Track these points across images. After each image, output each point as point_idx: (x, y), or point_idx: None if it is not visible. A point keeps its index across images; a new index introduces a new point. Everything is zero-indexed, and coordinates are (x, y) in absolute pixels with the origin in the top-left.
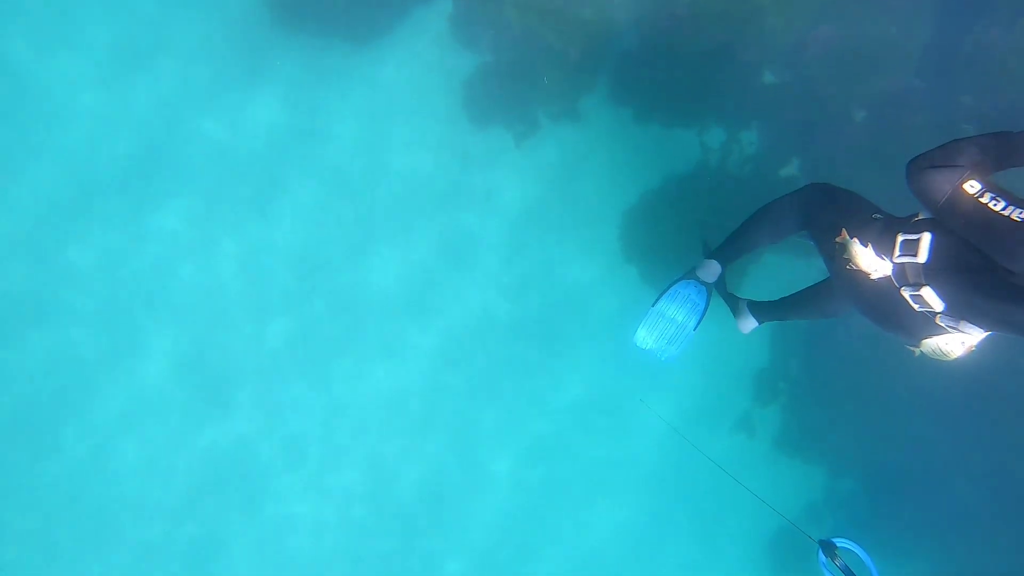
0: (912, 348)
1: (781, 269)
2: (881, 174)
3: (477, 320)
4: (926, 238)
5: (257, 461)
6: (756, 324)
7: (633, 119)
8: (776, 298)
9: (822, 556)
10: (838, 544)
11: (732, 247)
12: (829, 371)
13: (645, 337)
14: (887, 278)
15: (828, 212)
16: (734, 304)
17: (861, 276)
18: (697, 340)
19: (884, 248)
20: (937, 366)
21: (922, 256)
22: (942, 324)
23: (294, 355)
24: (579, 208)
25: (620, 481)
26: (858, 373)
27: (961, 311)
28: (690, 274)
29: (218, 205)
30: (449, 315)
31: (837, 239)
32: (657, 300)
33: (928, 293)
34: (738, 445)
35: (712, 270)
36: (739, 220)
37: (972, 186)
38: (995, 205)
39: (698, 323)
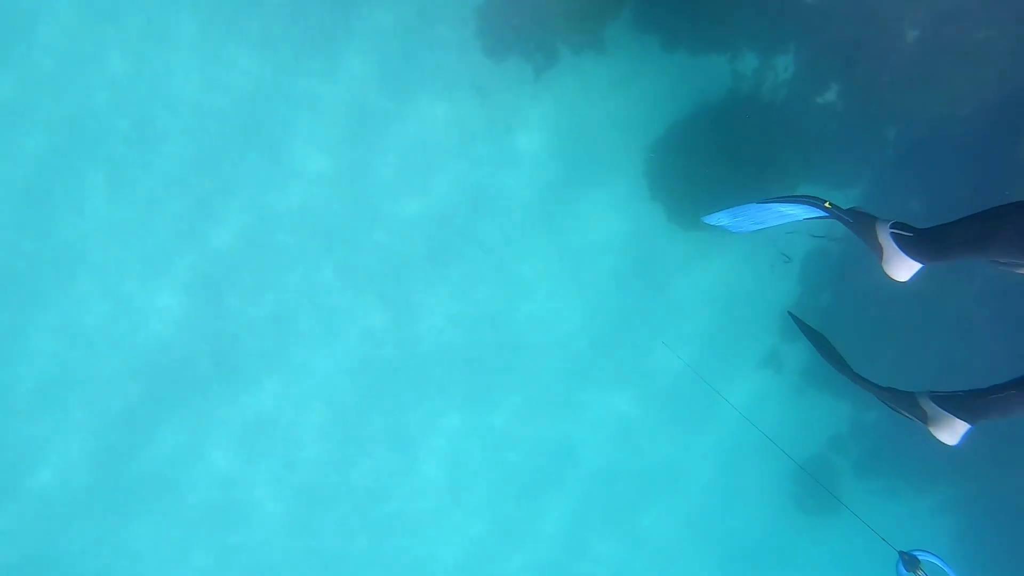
0: None
1: None
2: (931, 98)
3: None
4: None
5: None
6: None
7: (660, 47)
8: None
9: (902, 568)
10: (920, 558)
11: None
12: (860, 304)
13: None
14: None
15: None
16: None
17: None
18: (724, 278)
19: None
20: None
21: None
22: None
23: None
24: (603, 144)
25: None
26: (890, 307)
27: None
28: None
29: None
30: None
31: None
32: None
33: None
34: (765, 380)
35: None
36: (769, 151)
37: None
38: None
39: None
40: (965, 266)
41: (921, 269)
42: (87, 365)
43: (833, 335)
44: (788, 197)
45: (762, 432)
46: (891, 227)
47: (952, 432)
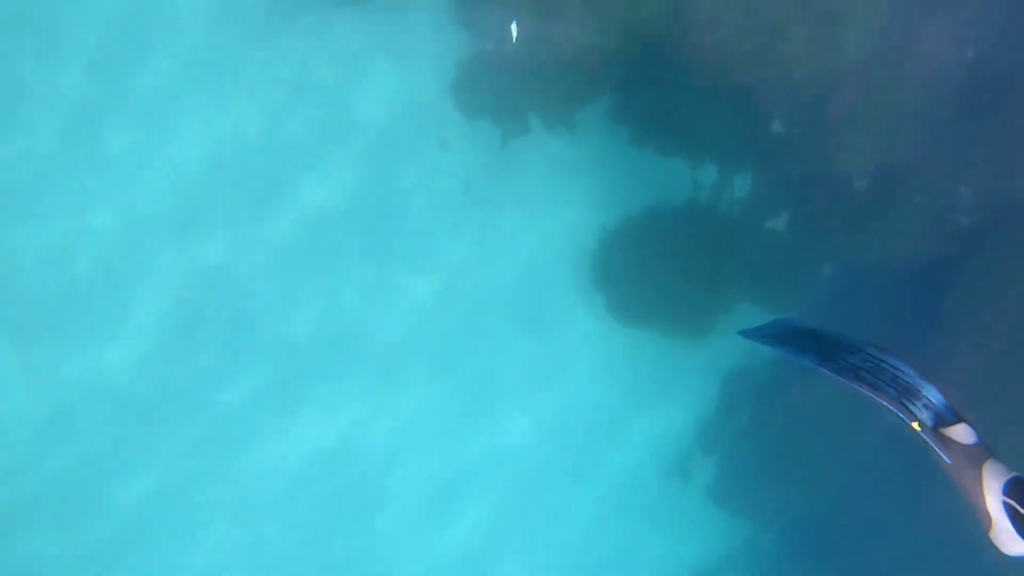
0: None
1: None
2: (869, 247)
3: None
4: None
5: None
6: None
7: (629, 140)
8: None
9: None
10: None
11: None
12: (778, 432)
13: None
14: None
15: None
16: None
17: None
18: (652, 381)
19: None
20: None
21: None
22: None
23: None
24: (557, 223)
25: None
26: (807, 440)
27: None
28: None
29: None
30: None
31: None
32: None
33: None
34: (672, 489)
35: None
36: (716, 264)
37: None
38: None
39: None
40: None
41: None
42: None
43: (744, 457)
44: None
45: None
46: (1007, 492)
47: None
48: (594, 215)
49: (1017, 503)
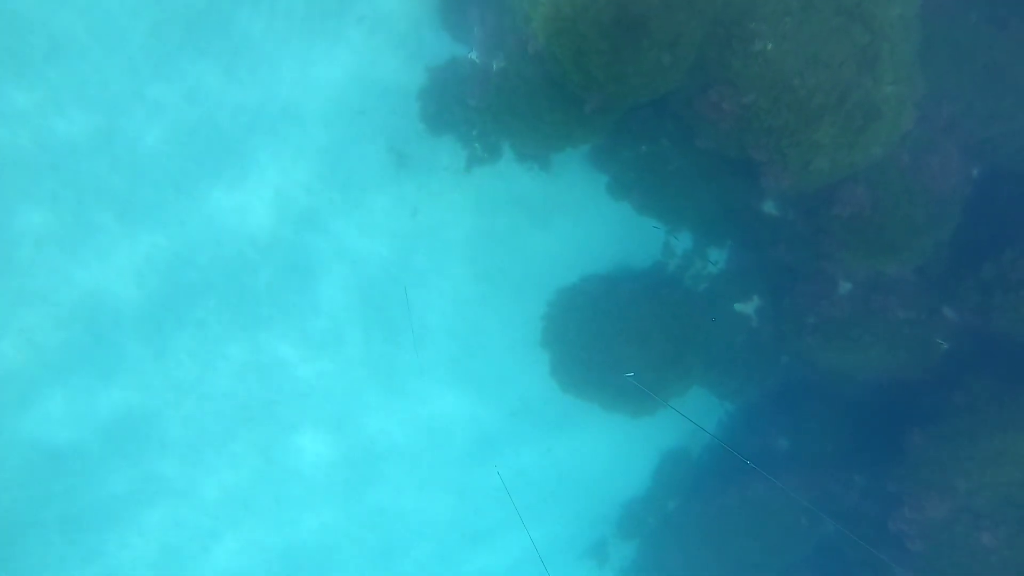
0: None
1: None
2: (838, 355)
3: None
4: None
5: None
6: None
7: (607, 190)
8: None
9: None
10: None
11: None
12: (703, 524)
13: None
14: None
15: None
16: None
17: None
18: (582, 453)
19: None
20: None
21: None
22: None
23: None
24: (511, 265)
25: None
26: (734, 542)
27: None
28: None
29: None
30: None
31: None
32: None
33: None
34: (584, 571)
35: None
36: (678, 341)
37: None
38: None
39: None
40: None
41: None
42: None
43: (666, 548)
44: None
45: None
46: None
47: None
48: (555, 265)
49: None
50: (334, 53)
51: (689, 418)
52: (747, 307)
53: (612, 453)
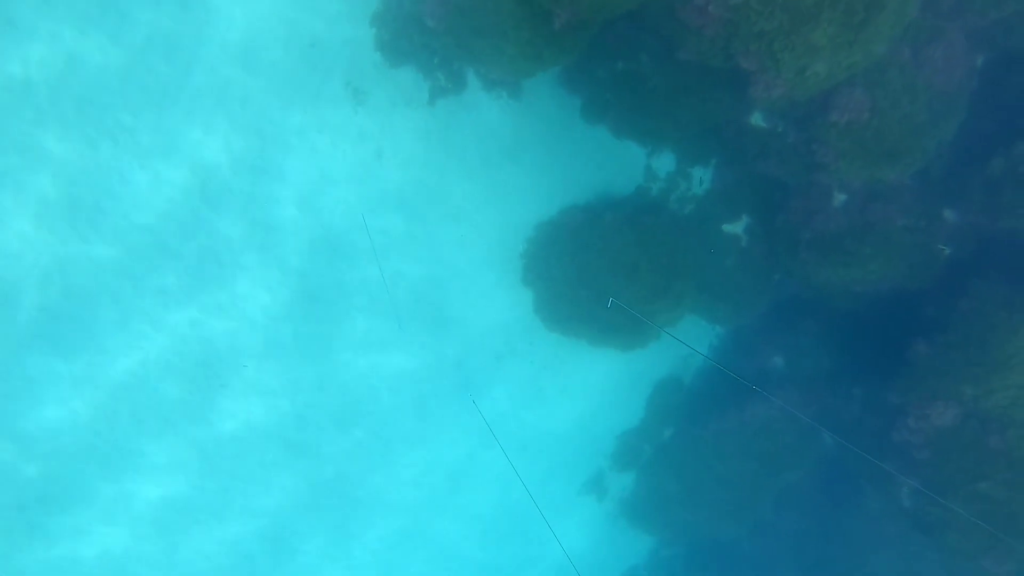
0: None
1: None
2: (835, 270)
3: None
4: None
5: None
6: None
7: (581, 114)
8: None
9: None
10: None
11: None
12: (701, 449)
13: None
14: None
15: None
16: None
17: None
18: (569, 391)
19: None
20: None
21: None
22: None
23: None
24: (486, 202)
25: None
26: (730, 466)
27: None
28: None
29: None
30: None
31: None
32: None
33: None
34: (585, 506)
35: None
36: (666, 269)
37: None
38: None
39: None
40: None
41: None
42: None
43: (662, 474)
44: None
45: None
46: None
47: None
48: (532, 199)
49: None
50: None
51: (685, 343)
52: (736, 227)
53: (603, 387)
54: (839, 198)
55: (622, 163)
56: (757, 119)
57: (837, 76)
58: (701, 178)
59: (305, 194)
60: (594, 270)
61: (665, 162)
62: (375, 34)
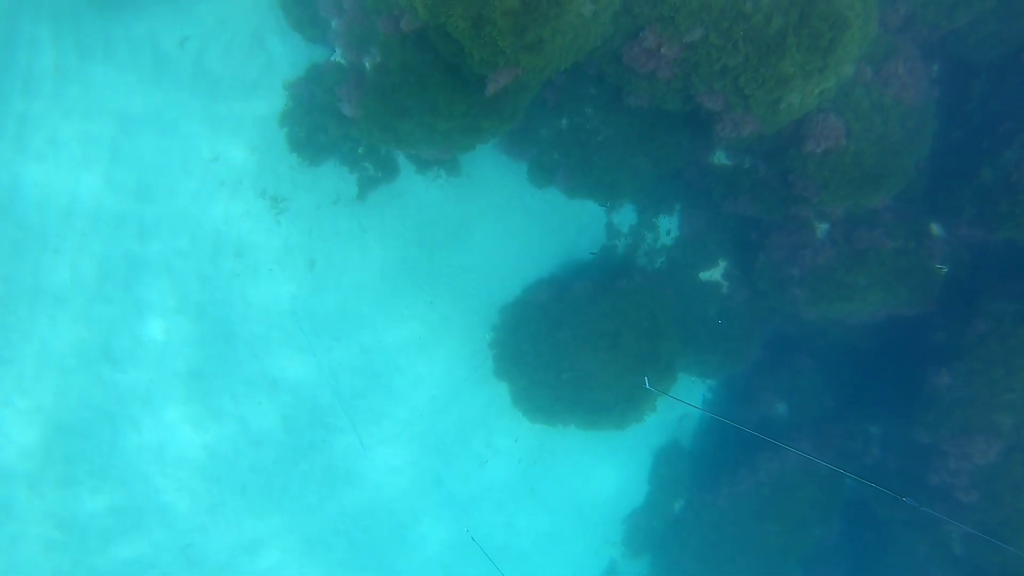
0: None
1: None
2: (831, 304)
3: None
4: None
5: None
6: None
7: (528, 179)
8: None
9: None
10: None
11: None
12: (716, 517)
13: None
14: None
15: None
16: None
17: None
18: (565, 484)
19: None
20: None
21: None
22: None
23: None
24: (440, 295)
25: None
26: (753, 527)
27: None
28: None
29: None
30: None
31: None
32: None
33: None
34: None
35: None
36: (649, 333)
37: None
38: None
39: None
40: None
41: None
42: None
43: (678, 551)
44: None
45: None
46: None
47: None
48: (490, 280)
49: None
50: (161, 91)
51: (693, 404)
52: (714, 273)
53: (600, 471)
54: (821, 229)
55: (581, 224)
56: (720, 157)
57: (809, 105)
58: (668, 228)
59: (247, 315)
60: (572, 348)
61: (626, 216)
62: (287, 134)
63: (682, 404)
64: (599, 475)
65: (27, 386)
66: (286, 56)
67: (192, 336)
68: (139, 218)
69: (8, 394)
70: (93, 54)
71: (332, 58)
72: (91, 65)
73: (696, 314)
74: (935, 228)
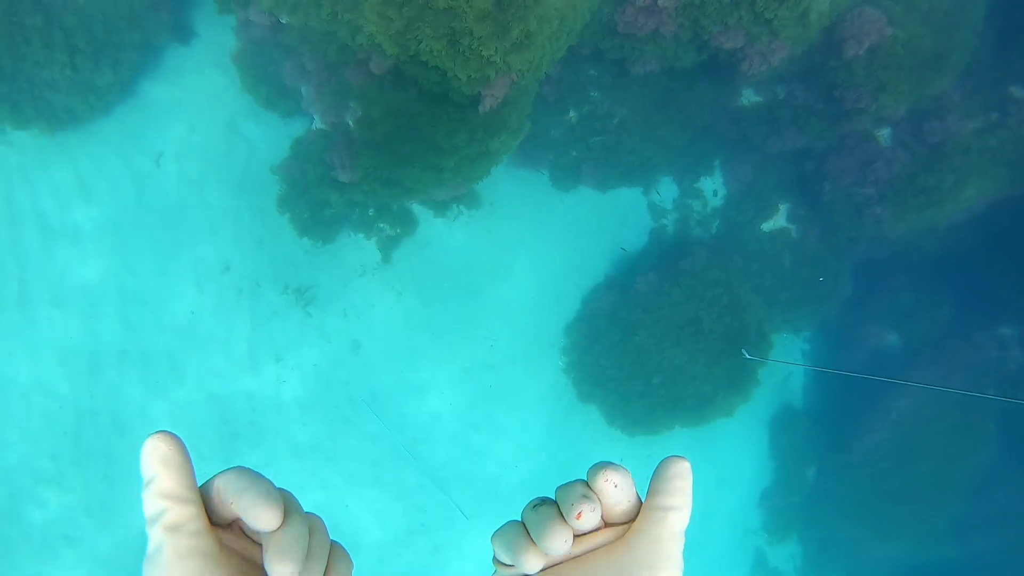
0: None
1: None
2: (924, 211)
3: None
4: None
5: None
6: None
7: (553, 185)
8: None
9: None
10: None
11: None
12: (856, 474)
13: None
14: None
15: None
16: None
17: None
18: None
19: None
20: None
21: None
22: None
23: None
24: (498, 336)
25: None
26: (895, 472)
27: None
28: None
29: None
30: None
31: None
32: None
33: None
34: None
35: None
36: (731, 308)
37: None
38: None
39: None
40: None
41: None
42: None
43: (828, 522)
44: None
45: None
46: None
47: None
48: (546, 304)
49: None
50: (151, 214)
51: (809, 364)
52: (777, 221)
53: (717, 462)
54: (884, 136)
55: (621, 215)
56: (750, 97)
57: (840, 3)
58: (714, 189)
59: (295, 436)
60: (653, 349)
61: (667, 191)
62: (290, 218)
63: (782, 365)
64: (719, 466)
65: None
66: (266, 139)
67: (258, 464)
68: (167, 353)
69: None
70: (72, 201)
71: (312, 127)
72: (74, 212)
73: (772, 269)
74: (1015, 91)
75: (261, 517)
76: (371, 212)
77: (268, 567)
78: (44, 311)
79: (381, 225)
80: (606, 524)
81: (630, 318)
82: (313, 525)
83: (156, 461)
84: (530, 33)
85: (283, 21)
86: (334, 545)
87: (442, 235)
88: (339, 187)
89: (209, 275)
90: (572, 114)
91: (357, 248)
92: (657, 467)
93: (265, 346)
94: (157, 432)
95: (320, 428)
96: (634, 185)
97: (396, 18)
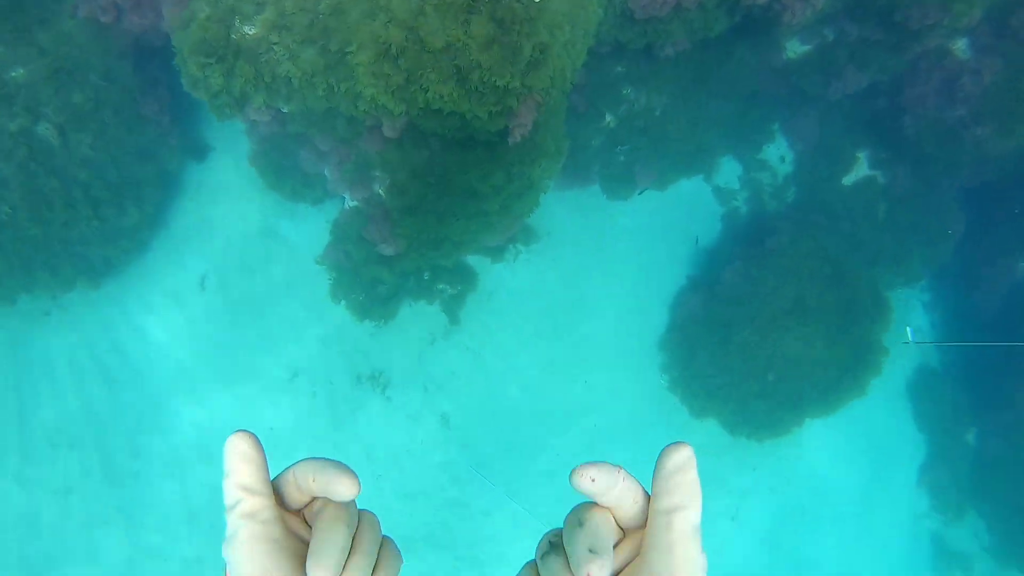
0: None
1: None
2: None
3: None
4: None
5: None
6: None
7: (605, 195)
8: None
9: None
10: None
11: None
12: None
13: None
14: None
15: None
16: None
17: None
18: (830, 471)
19: None
20: None
21: None
22: None
23: None
24: (592, 371)
25: None
26: None
27: None
28: None
29: None
30: None
31: None
32: None
33: None
34: None
35: None
36: (830, 280)
37: None
38: None
39: None
40: None
41: None
42: None
43: (1005, 490)
44: None
45: None
46: None
47: None
48: (631, 324)
49: None
50: (206, 335)
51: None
52: (859, 171)
53: (860, 444)
54: (961, 47)
55: (686, 208)
56: (795, 47)
57: None
58: (779, 155)
59: (416, 529)
60: (759, 345)
61: (730, 170)
62: (347, 305)
63: (906, 322)
64: (865, 451)
65: None
66: (302, 232)
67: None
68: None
69: None
70: (126, 344)
71: (345, 206)
72: (132, 358)
73: (866, 224)
74: None
75: (341, 485)
76: (426, 276)
77: (308, 568)
78: (133, 480)
79: (440, 287)
80: (625, 533)
81: (725, 316)
82: (364, 521)
83: (235, 457)
84: (544, 46)
85: (284, 111)
86: (385, 540)
87: (506, 280)
88: (387, 261)
89: (279, 387)
90: (609, 118)
91: (422, 317)
92: (656, 461)
93: (353, 446)
94: (238, 431)
95: (430, 516)
96: (693, 174)
97: (393, 72)
